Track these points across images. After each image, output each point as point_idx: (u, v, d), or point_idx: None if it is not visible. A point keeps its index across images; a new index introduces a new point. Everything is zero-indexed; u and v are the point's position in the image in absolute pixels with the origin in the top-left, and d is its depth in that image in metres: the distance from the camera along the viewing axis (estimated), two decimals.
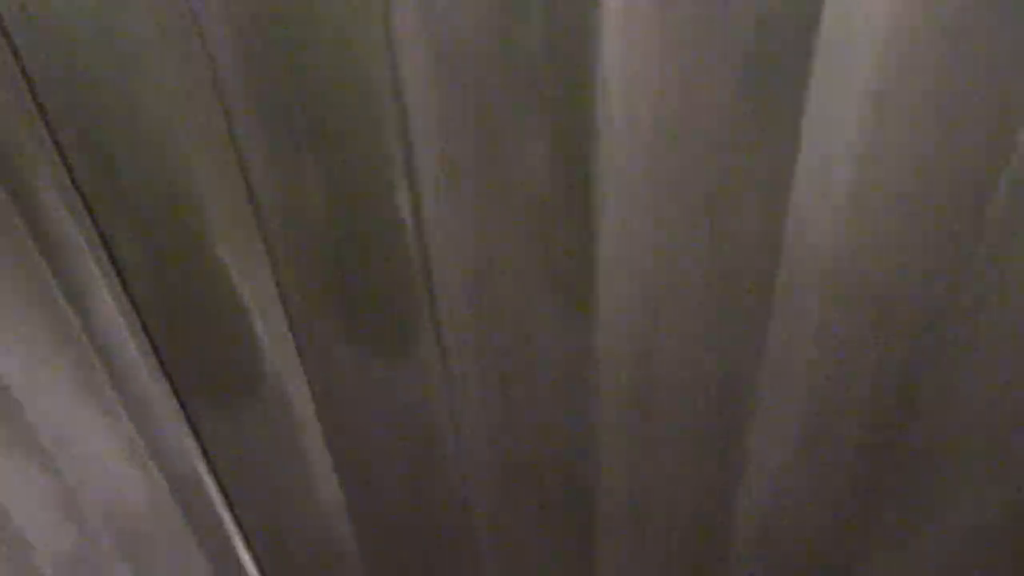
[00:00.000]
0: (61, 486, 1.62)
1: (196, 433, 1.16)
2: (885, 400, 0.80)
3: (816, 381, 0.80)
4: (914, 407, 0.80)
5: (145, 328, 1.11)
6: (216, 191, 0.85)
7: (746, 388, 0.81)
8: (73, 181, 0.93)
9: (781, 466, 0.87)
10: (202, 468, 1.23)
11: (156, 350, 1.07)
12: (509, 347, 0.85)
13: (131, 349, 1.43)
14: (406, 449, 1.00)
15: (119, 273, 1.01)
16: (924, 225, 0.66)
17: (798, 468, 0.87)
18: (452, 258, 0.80)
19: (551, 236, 0.76)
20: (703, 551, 0.96)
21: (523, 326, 0.83)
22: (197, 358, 1.05)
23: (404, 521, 1.10)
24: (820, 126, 0.64)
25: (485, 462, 0.97)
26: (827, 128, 0.64)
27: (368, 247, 0.83)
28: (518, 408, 0.90)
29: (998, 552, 0.88)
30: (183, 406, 1.13)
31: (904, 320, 0.72)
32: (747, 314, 0.75)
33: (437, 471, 1.01)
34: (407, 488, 1.05)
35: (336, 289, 0.87)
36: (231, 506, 1.27)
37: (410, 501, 1.07)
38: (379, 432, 0.99)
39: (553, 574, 1.05)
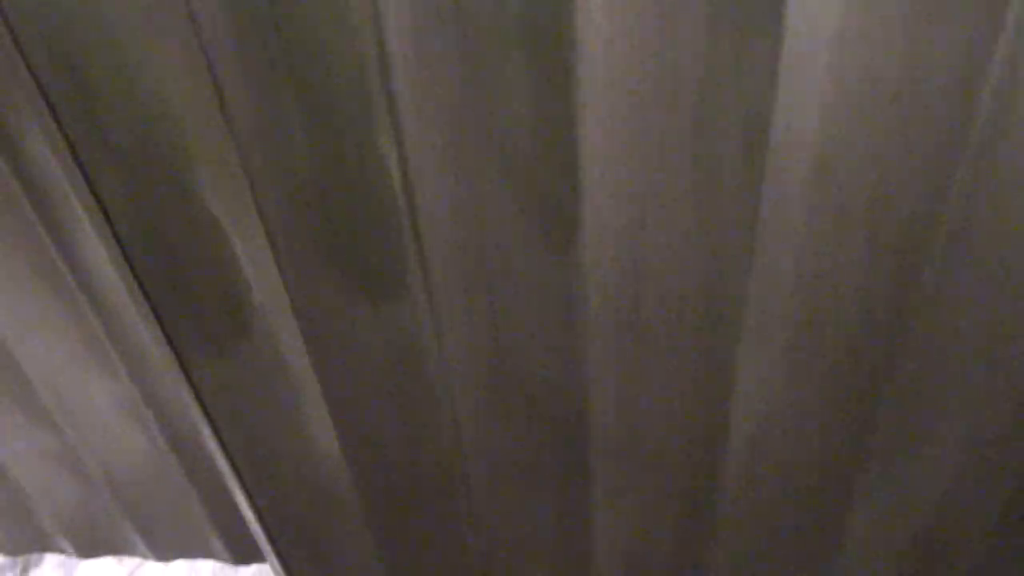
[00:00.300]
0: (61, 442, 1.63)
1: (191, 381, 1.16)
2: (875, 308, 0.79)
3: (805, 291, 0.79)
4: (905, 316, 0.79)
5: (138, 279, 1.10)
6: (202, 138, 0.85)
7: (734, 300, 0.81)
8: (60, 128, 0.92)
9: (772, 380, 0.86)
10: (199, 419, 1.23)
11: (149, 300, 1.07)
12: (496, 277, 0.84)
13: (125, 302, 1.43)
14: (397, 384, 1.00)
15: (110, 223, 1.00)
16: (911, 122, 0.65)
17: (789, 381, 0.86)
18: (437, 193, 0.79)
19: (535, 162, 0.75)
20: (697, 466, 0.96)
21: (509, 255, 0.82)
22: (189, 305, 1.05)
23: (398, 457, 1.10)
24: (802, 15, 0.62)
25: (476, 392, 0.96)
26: (811, 17, 0.62)
27: (353, 187, 0.82)
28: (507, 337, 0.89)
29: (995, 459, 0.89)
30: (177, 354, 1.13)
31: (892, 226, 0.71)
32: (733, 226, 0.75)
33: (428, 404, 1.00)
34: (400, 424, 1.04)
35: (323, 231, 0.87)
36: (228, 455, 1.27)
37: (403, 437, 1.06)
38: (370, 369, 0.99)
39: (549, 497, 1.05)
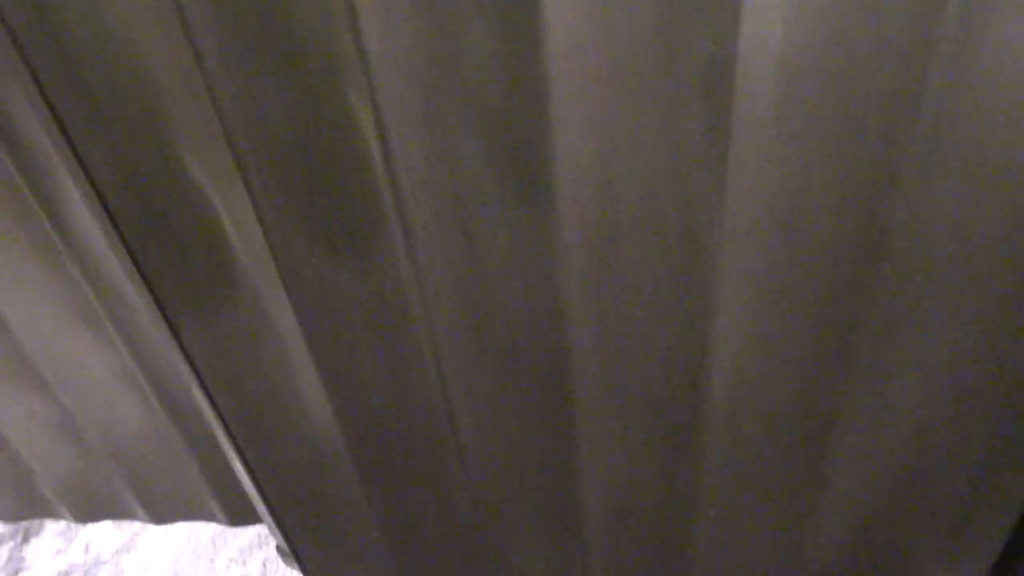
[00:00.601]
0: (59, 410, 1.67)
1: (181, 344, 1.19)
2: (849, 229, 0.79)
3: (778, 214, 0.79)
4: (879, 235, 0.79)
5: (127, 246, 1.13)
6: (183, 106, 0.87)
7: (708, 227, 0.81)
8: (45, 99, 0.95)
9: (750, 307, 0.87)
10: (191, 382, 1.27)
11: (138, 265, 1.10)
12: (473, 222, 0.86)
13: (118, 272, 1.46)
14: (382, 337, 1.03)
15: (98, 192, 1.03)
16: (880, 30, 0.65)
17: (767, 308, 0.87)
18: (411, 145, 0.82)
19: (505, 104, 0.76)
20: (679, 400, 0.99)
21: (484, 197, 0.84)
22: (177, 269, 1.07)
23: (386, 410, 1.13)
24: None
25: (459, 338, 0.99)
26: None
27: (331, 146, 0.85)
28: (486, 279, 0.91)
29: (975, 384, 0.89)
30: (166, 318, 1.16)
31: (863, 140, 0.73)
32: (703, 150, 0.76)
33: (413, 354, 1.03)
34: (386, 377, 1.08)
35: (304, 190, 0.90)
36: (221, 417, 1.30)
37: (390, 390, 1.10)
38: (355, 324, 1.02)
39: (534, 440, 1.08)
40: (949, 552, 1.08)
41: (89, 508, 1.86)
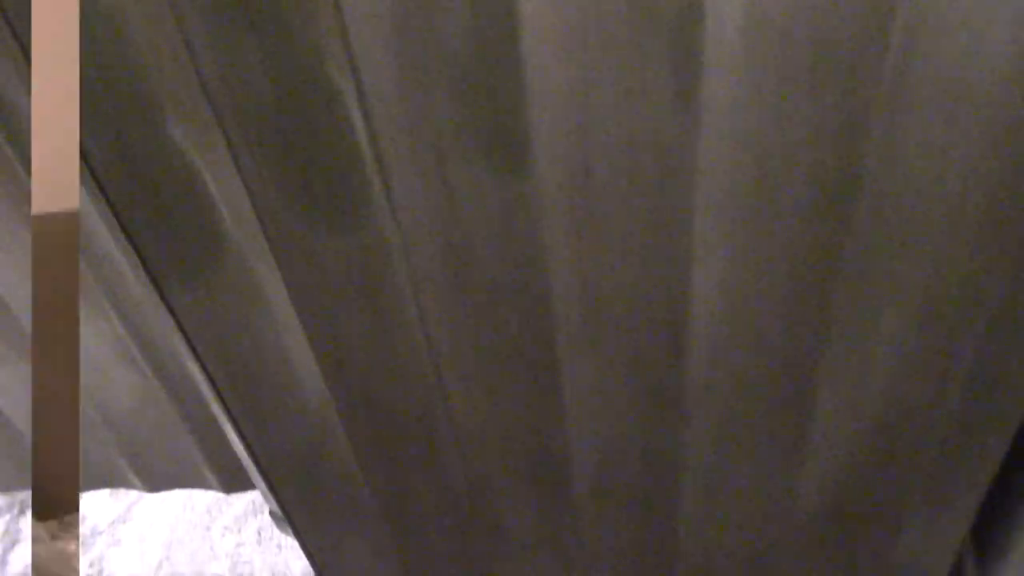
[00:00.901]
0: None
1: (173, 312, 1.22)
2: (825, 168, 0.80)
3: (754, 153, 0.80)
4: (855, 171, 0.80)
5: (117, 215, 1.15)
6: (169, 77, 0.89)
7: (685, 166, 0.82)
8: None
9: (729, 252, 0.89)
10: (183, 350, 1.30)
11: (128, 234, 1.12)
12: (452, 175, 0.88)
13: (111, 245, 1.49)
14: (367, 301, 1.05)
15: (88, 164, 1.05)
16: None
17: (746, 251, 0.88)
18: (391, 110, 0.85)
19: (478, 48, 0.78)
20: (662, 348, 1.01)
21: (465, 160, 0.86)
22: (166, 237, 1.10)
23: (374, 372, 1.16)
24: None
25: (442, 292, 1.00)
26: None
27: (313, 120, 0.88)
28: (467, 229, 0.92)
29: (954, 330, 0.91)
30: (157, 286, 1.18)
31: (834, 75, 0.74)
32: (677, 87, 0.77)
33: (399, 315, 1.06)
34: (372, 337, 1.11)
35: (287, 155, 0.92)
36: (213, 384, 1.33)
37: (377, 351, 1.13)
38: (340, 287, 1.04)
39: (521, 397, 1.09)
40: (929, 506, 1.12)
41: (85, 478, 1.89)
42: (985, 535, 1.27)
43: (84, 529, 1.96)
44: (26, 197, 1.41)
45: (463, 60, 0.79)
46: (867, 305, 0.91)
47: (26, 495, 2.08)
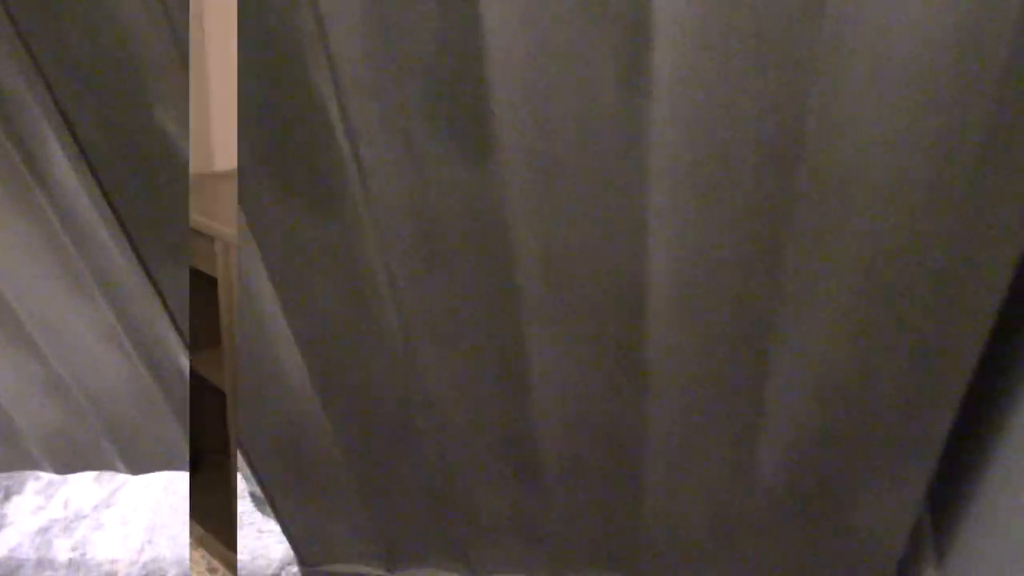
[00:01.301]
0: (45, 368, 1.74)
1: (160, 294, 1.27)
2: (772, 133, 0.83)
3: (703, 121, 0.83)
4: (801, 136, 0.82)
5: (108, 199, 1.20)
6: (158, 67, 0.95)
7: (639, 139, 0.85)
8: (34, 62, 1.02)
9: (682, 215, 0.91)
10: (169, 332, 1.35)
11: (117, 216, 1.17)
12: (423, 163, 0.92)
13: (102, 233, 1.54)
14: (343, 281, 1.09)
15: (80, 148, 1.10)
16: None
17: (698, 216, 0.91)
18: (372, 112, 0.90)
19: (442, 60, 0.83)
20: (623, 314, 1.03)
21: (434, 143, 0.89)
22: (158, 229, 1.15)
23: (350, 353, 1.20)
24: None
25: (415, 271, 1.02)
26: None
27: (291, 108, 0.91)
28: (439, 212, 0.95)
29: (899, 297, 0.94)
30: (144, 267, 1.22)
31: (776, 42, 0.76)
32: (629, 66, 0.80)
33: (372, 292, 1.10)
34: (348, 318, 1.14)
35: (269, 154, 0.97)
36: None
37: (353, 332, 1.16)
38: (318, 270, 1.08)
39: (488, 366, 1.15)
40: (884, 475, 1.17)
41: (70, 460, 1.93)
42: (941, 505, 1.32)
43: (68, 513, 2.00)
44: (13, 176, 1.44)
45: (427, 38, 0.84)
46: (815, 271, 0.94)
47: (10, 482, 2.11)
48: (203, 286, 1.45)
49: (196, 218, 1.24)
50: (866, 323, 0.98)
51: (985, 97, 0.77)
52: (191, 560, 1.81)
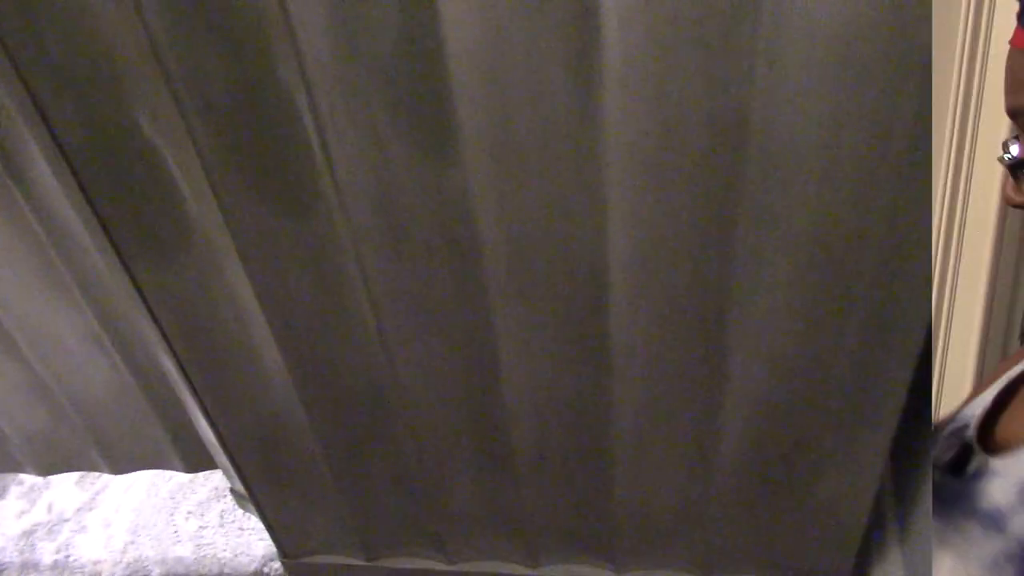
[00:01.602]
0: (29, 372, 1.75)
1: (143, 296, 1.28)
2: (717, 115, 0.86)
3: (656, 106, 0.85)
4: (746, 116, 0.85)
5: (92, 205, 1.22)
6: (138, 75, 0.98)
7: (596, 127, 0.88)
8: (15, 69, 1.05)
9: (638, 195, 0.93)
10: (151, 331, 1.36)
11: (101, 221, 1.18)
12: (392, 160, 0.95)
13: (85, 238, 1.56)
14: (319, 281, 1.12)
15: (59, 148, 1.12)
16: None
17: (653, 195, 0.93)
18: (339, 106, 0.92)
19: (406, 64, 0.87)
20: (583, 295, 1.06)
21: (400, 141, 0.93)
22: (137, 226, 1.17)
23: (328, 351, 1.23)
24: None
25: (384, 257, 1.07)
26: None
27: (267, 111, 0.95)
28: (407, 205, 0.99)
29: (844, 273, 0.97)
30: (128, 271, 1.24)
31: (715, 26, 0.79)
32: (582, 62, 0.83)
33: (347, 290, 1.13)
34: (323, 312, 1.17)
35: (245, 147, 1.00)
36: (183, 370, 1.40)
37: (327, 324, 1.19)
38: (296, 271, 1.10)
39: (456, 349, 1.18)
40: (842, 448, 1.19)
41: (53, 462, 1.94)
42: (903, 479, 1.36)
43: (51, 516, 2.01)
44: (1, 190, 1.47)
45: (390, 34, 0.87)
46: (766, 247, 0.98)
47: (4, 480, 2.12)
48: None
49: None
50: (817, 297, 1.01)
51: (915, 74, 0.81)
52: None
